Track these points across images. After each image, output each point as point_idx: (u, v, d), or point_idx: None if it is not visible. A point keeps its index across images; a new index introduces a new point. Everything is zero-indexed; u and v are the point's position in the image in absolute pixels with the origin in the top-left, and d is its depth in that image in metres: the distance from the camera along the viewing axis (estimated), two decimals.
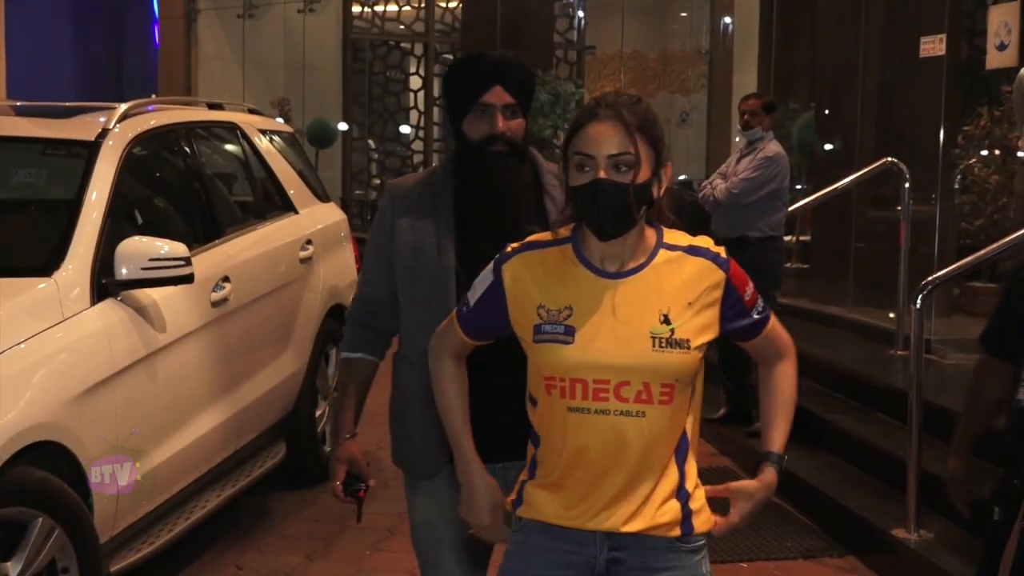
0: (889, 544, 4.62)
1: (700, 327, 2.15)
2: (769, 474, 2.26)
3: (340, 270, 5.84)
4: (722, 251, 2.22)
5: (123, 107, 4.46)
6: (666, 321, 2.12)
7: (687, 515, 2.17)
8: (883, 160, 7.15)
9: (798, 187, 10.15)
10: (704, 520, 2.20)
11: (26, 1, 14.05)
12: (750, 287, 2.24)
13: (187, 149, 4.91)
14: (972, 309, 7.80)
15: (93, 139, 4.21)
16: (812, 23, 10.64)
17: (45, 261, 3.74)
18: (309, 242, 5.52)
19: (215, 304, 4.44)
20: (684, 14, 19.95)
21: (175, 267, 3.87)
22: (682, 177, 17.06)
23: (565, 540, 2.18)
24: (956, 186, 7.82)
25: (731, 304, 2.20)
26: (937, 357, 6.42)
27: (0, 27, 12.00)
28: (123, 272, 3.79)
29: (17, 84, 12.59)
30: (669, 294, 2.14)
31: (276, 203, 5.62)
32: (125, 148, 4.26)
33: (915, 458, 4.56)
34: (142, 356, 3.87)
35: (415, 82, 17.96)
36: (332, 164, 16.73)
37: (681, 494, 2.17)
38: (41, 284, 3.63)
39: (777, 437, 2.29)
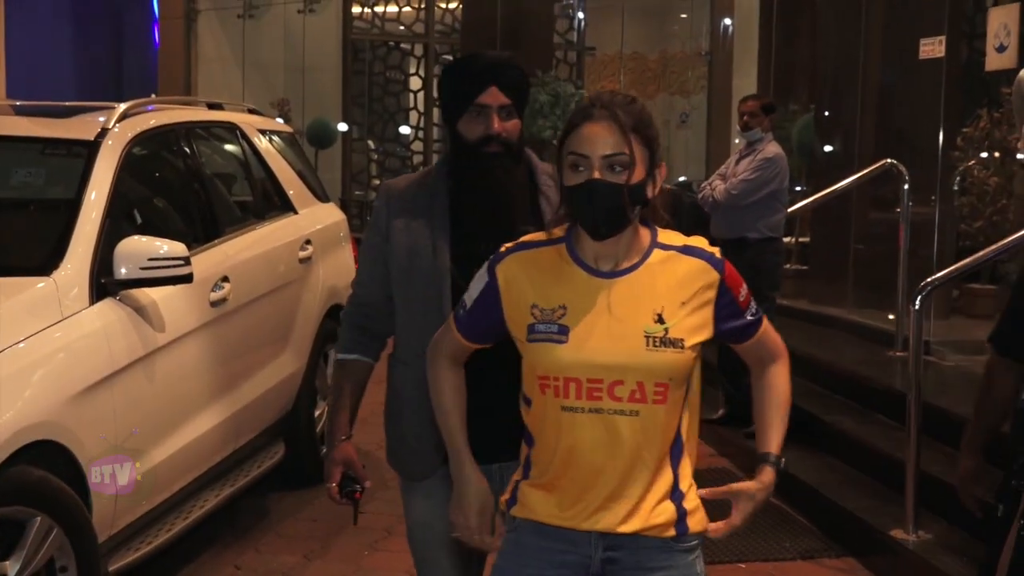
0: (888, 545, 4.62)
1: (694, 327, 2.15)
2: (767, 475, 2.27)
3: (339, 270, 5.84)
4: (717, 251, 2.22)
5: (122, 107, 4.46)
6: (660, 320, 2.12)
7: (682, 515, 2.17)
8: (882, 162, 7.16)
9: (798, 189, 10.15)
10: (698, 520, 2.20)
11: (26, 1, 14.05)
12: (744, 288, 2.24)
13: (187, 149, 4.91)
14: (971, 311, 7.81)
15: (92, 139, 4.21)
16: (812, 24, 10.65)
17: (44, 260, 3.74)
18: (308, 242, 5.53)
19: (214, 304, 4.44)
20: (684, 15, 19.96)
21: (174, 267, 3.87)
22: (682, 178, 17.07)
23: (559, 539, 2.18)
24: (955, 188, 7.82)
25: (725, 305, 2.20)
26: (936, 359, 6.43)
27: (0, 27, 12.00)
28: (122, 272, 3.79)
29: (17, 84, 12.60)
30: (663, 293, 2.14)
31: (275, 203, 5.62)
32: (124, 148, 4.26)
33: (914, 459, 4.57)
34: (141, 356, 3.87)
35: (415, 83, 17.96)
36: (332, 165, 16.73)
37: (675, 494, 2.17)
38: (40, 283, 3.63)
39: (773, 438, 2.30)
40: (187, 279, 3.94)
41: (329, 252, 5.78)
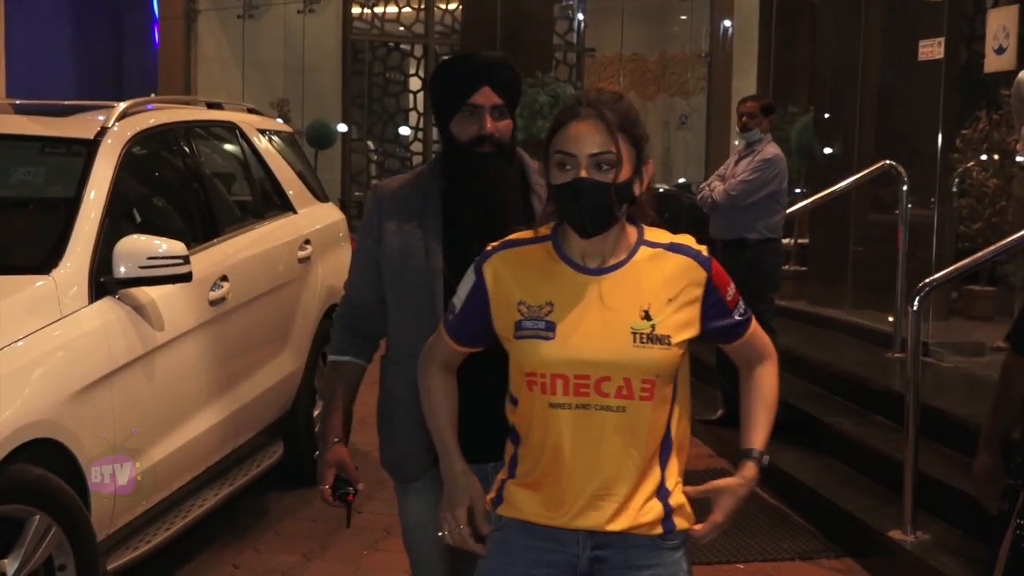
0: (886, 546, 4.62)
1: (681, 323, 2.16)
2: (749, 470, 2.26)
3: (338, 270, 5.83)
4: (704, 249, 2.22)
5: (122, 106, 4.46)
6: (647, 317, 2.13)
7: (668, 513, 2.17)
8: (881, 163, 7.16)
9: (797, 190, 10.16)
10: (685, 518, 2.21)
11: (26, 1, 14.06)
12: (732, 288, 2.25)
13: (186, 148, 4.91)
14: (970, 312, 7.82)
15: (92, 137, 4.21)
16: (811, 26, 10.67)
17: (43, 259, 3.73)
18: (307, 242, 5.53)
19: (213, 303, 4.45)
20: (684, 17, 19.99)
21: (173, 266, 3.87)
22: (681, 180, 17.08)
23: (546, 538, 2.18)
24: (954, 189, 7.84)
25: (712, 303, 2.20)
26: (935, 360, 6.43)
27: (0, 27, 12.00)
28: (121, 270, 3.79)
29: (17, 84, 12.60)
30: (650, 290, 2.15)
31: (275, 203, 5.62)
32: (124, 147, 4.26)
33: (912, 460, 4.57)
34: (140, 354, 3.87)
35: (415, 84, 17.98)
36: (331, 165, 16.75)
37: (662, 492, 2.18)
38: (39, 282, 3.63)
39: (758, 435, 2.29)
40: (186, 278, 3.94)
41: (328, 252, 5.78)
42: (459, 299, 2.26)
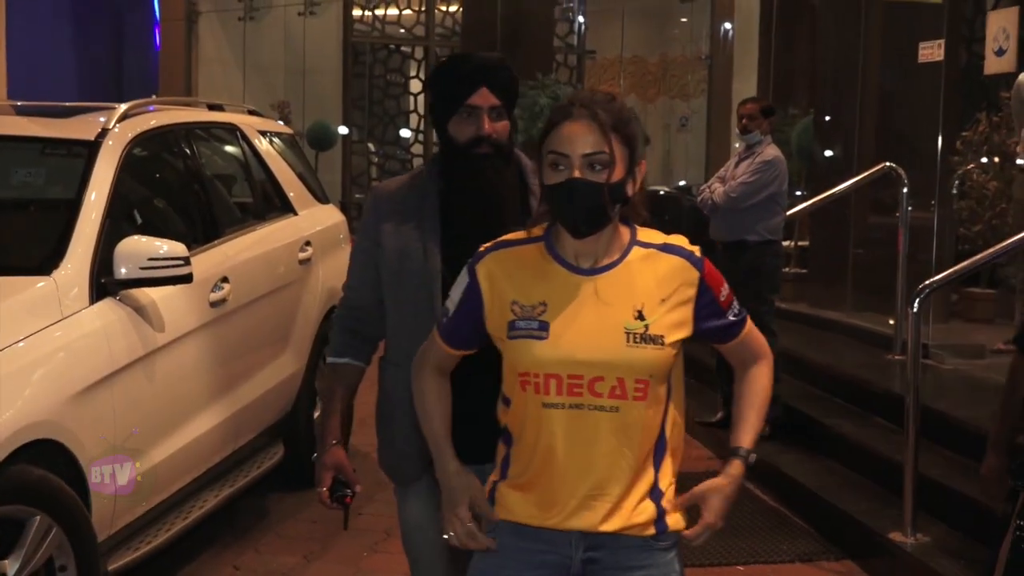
0: (886, 548, 4.62)
1: (674, 323, 2.16)
2: (736, 467, 2.25)
3: (339, 272, 5.76)
4: (696, 250, 2.22)
5: (123, 107, 4.46)
6: (640, 317, 2.13)
7: (661, 514, 2.18)
8: (881, 165, 7.16)
9: (797, 192, 10.16)
10: (677, 518, 2.21)
11: (27, 1, 14.06)
12: (725, 288, 2.25)
13: (187, 150, 4.92)
14: (970, 315, 7.82)
15: (93, 139, 4.21)
16: (812, 29, 10.67)
17: (44, 260, 3.74)
18: (308, 243, 5.53)
19: (214, 304, 4.45)
20: (684, 19, 20.00)
21: (174, 267, 3.87)
22: (681, 182, 17.09)
23: (538, 540, 2.18)
24: (954, 191, 7.83)
25: (705, 304, 2.21)
26: (935, 362, 6.43)
27: (0, 27, 12.01)
28: (122, 271, 3.79)
29: (17, 84, 12.59)
30: (643, 290, 2.15)
31: (275, 204, 5.62)
32: (125, 148, 4.26)
33: (912, 462, 4.57)
34: (140, 355, 3.87)
35: (415, 86, 17.98)
36: (332, 167, 16.76)
37: (655, 493, 2.18)
38: (40, 283, 3.63)
39: (746, 433, 2.28)
40: (187, 279, 3.95)
41: (329, 253, 5.78)
42: (452, 302, 2.26)
